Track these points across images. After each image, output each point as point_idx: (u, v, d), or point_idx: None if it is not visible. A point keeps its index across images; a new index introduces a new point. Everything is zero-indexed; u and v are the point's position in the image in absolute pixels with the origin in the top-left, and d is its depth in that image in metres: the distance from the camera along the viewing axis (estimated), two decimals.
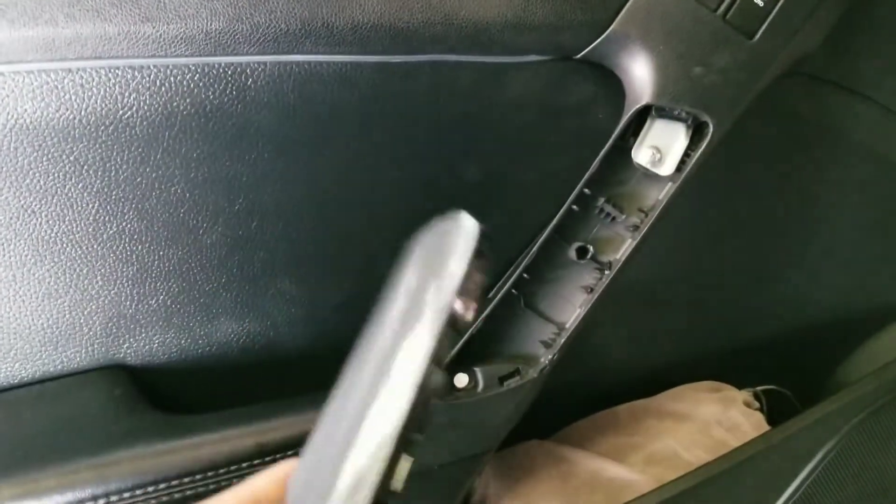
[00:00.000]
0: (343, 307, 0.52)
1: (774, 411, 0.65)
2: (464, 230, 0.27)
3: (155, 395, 0.49)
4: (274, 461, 0.46)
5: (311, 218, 0.48)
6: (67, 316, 0.47)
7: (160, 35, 0.40)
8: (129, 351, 0.49)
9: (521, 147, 0.49)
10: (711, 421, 0.61)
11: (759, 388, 0.65)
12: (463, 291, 0.25)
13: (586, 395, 0.66)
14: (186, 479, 0.45)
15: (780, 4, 0.44)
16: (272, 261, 0.49)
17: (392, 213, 0.49)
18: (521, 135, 0.49)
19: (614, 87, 0.47)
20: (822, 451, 0.56)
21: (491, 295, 0.51)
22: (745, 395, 0.63)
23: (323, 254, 0.49)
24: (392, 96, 0.45)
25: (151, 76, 0.41)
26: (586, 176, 0.47)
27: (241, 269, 0.48)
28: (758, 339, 0.68)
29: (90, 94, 0.40)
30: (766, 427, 0.61)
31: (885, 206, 0.61)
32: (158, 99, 0.41)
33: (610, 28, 0.44)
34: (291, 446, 0.46)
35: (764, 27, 0.44)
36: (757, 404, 0.63)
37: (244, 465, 0.45)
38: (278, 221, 0.47)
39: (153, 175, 0.44)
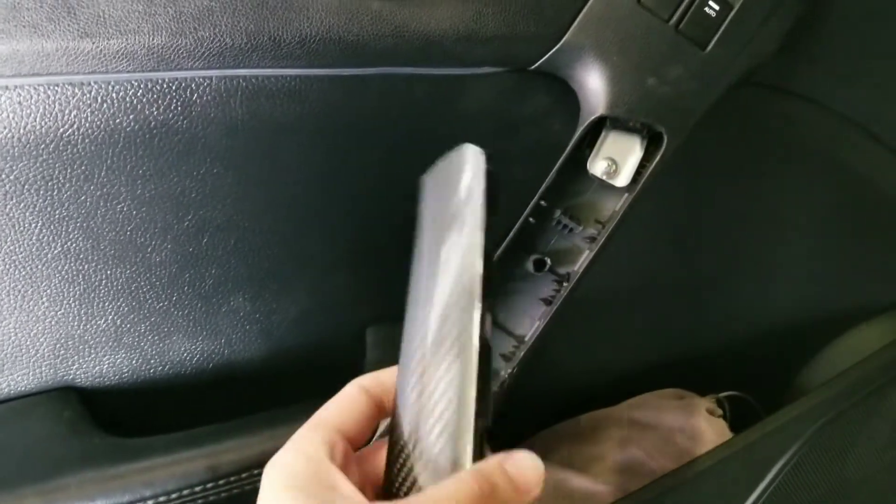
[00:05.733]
0: (299, 322, 0.51)
1: (738, 417, 0.65)
2: (467, 154, 0.33)
3: (106, 417, 0.48)
4: (227, 484, 0.45)
5: (263, 233, 0.47)
6: (13, 337, 0.46)
7: (100, 51, 0.39)
8: (78, 372, 0.48)
9: None
10: (675, 429, 0.61)
11: (722, 394, 0.65)
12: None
13: (548, 405, 0.66)
14: None
15: (732, 15, 0.44)
16: (224, 277, 0.48)
17: (346, 227, 0.48)
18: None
19: (570, 98, 0.47)
20: (784, 458, 0.56)
21: None
22: (708, 402, 0.63)
23: (277, 269, 0.49)
24: (343, 110, 0.44)
25: (92, 92, 0.40)
26: (542, 188, 0.47)
27: (193, 287, 0.47)
28: (719, 346, 0.68)
29: (29, 111, 0.39)
30: (728, 434, 0.61)
31: (843, 213, 0.61)
32: (100, 115, 0.40)
33: (563, 39, 0.44)
34: (245, 468, 0.45)
35: (717, 37, 0.44)
36: (720, 411, 0.63)
37: (196, 488, 0.44)
38: (230, 237, 0.46)
39: (98, 193, 0.43)
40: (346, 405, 0.35)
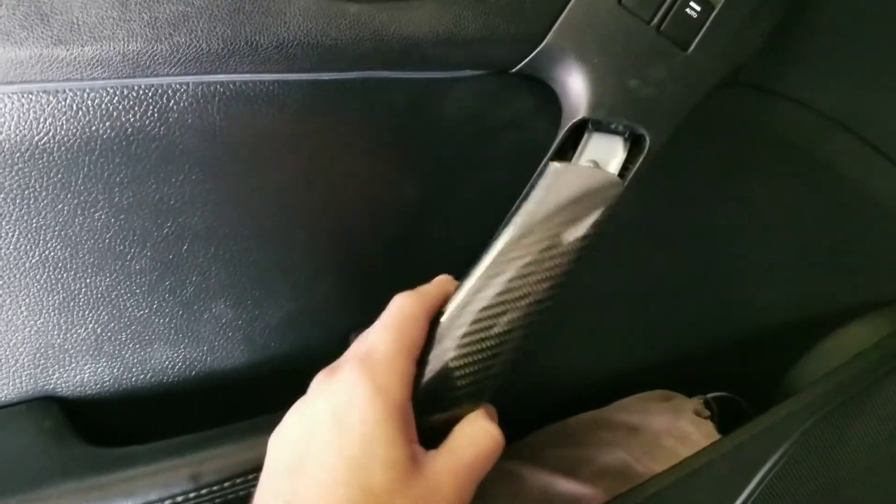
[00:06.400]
0: (282, 329, 0.50)
1: (726, 418, 0.64)
2: None
3: (87, 426, 0.48)
4: (210, 493, 0.44)
5: (244, 239, 0.46)
6: None
7: (75, 58, 0.38)
8: (59, 381, 0.48)
9: (460, 163, 0.49)
10: (662, 431, 0.60)
11: (710, 395, 0.65)
12: None
13: (535, 408, 0.65)
14: None
15: (713, 16, 0.44)
16: (206, 284, 0.47)
17: (327, 233, 0.48)
18: (459, 150, 0.48)
19: (552, 100, 0.46)
20: (772, 459, 0.56)
21: None
22: (696, 403, 0.63)
23: (259, 275, 0.48)
24: (323, 115, 0.44)
25: (67, 100, 0.39)
26: (524, 191, 0.46)
27: (174, 294, 0.47)
28: (707, 346, 0.68)
29: (3, 120, 0.39)
30: (716, 435, 0.61)
31: (829, 212, 0.61)
32: (76, 123, 0.40)
33: (544, 42, 0.44)
34: (228, 477, 0.45)
35: (698, 38, 0.44)
36: (707, 412, 0.63)
37: (179, 498, 0.44)
38: (210, 244, 0.46)
39: (75, 201, 0.42)
40: (422, 334, 0.40)
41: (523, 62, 0.44)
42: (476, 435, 0.38)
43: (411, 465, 0.34)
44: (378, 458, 0.34)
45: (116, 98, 0.40)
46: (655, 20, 0.43)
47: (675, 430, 0.60)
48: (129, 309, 0.47)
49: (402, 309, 0.40)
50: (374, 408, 0.35)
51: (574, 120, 0.45)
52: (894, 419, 0.58)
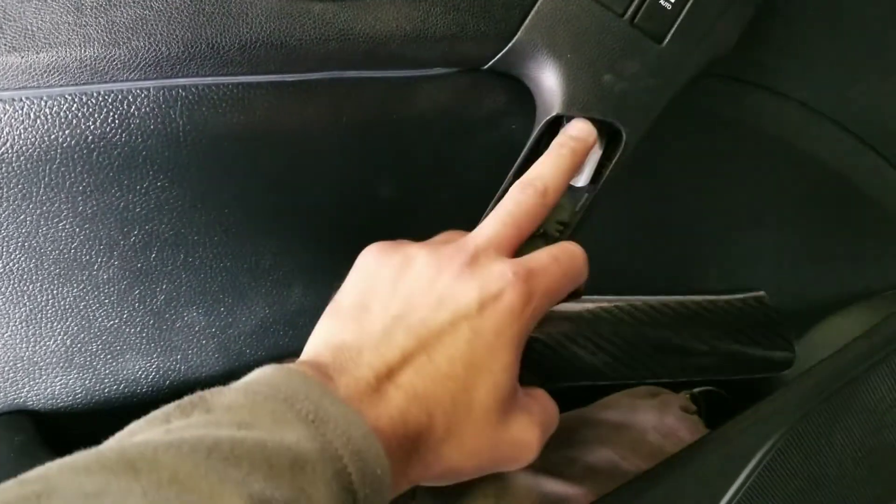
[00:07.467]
0: (256, 335, 0.50)
1: (714, 412, 0.64)
2: None
3: (60, 440, 0.47)
4: None
5: (213, 245, 0.46)
6: None
7: (30, 65, 0.37)
8: (30, 395, 0.47)
9: (433, 162, 0.48)
10: (648, 427, 0.60)
11: (697, 389, 0.64)
12: None
13: None
14: None
15: (688, 7, 0.43)
16: (176, 292, 0.46)
17: (300, 236, 0.47)
18: (433, 149, 0.47)
19: (526, 97, 0.45)
20: (759, 453, 0.55)
21: None
22: (682, 398, 0.63)
23: (231, 282, 0.47)
24: (290, 117, 0.43)
25: (24, 108, 0.38)
26: (500, 190, 0.46)
27: (144, 303, 0.46)
28: None
29: None
30: (703, 430, 0.60)
31: (810, 203, 0.60)
32: (34, 132, 0.39)
33: (515, 38, 0.43)
34: None
35: (673, 30, 0.43)
36: (694, 407, 0.62)
37: None
38: (179, 251, 0.45)
39: (38, 211, 0.41)
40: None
41: (495, 59, 0.43)
42: (551, 412, 0.40)
43: (511, 398, 0.35)
44: (489, 379, 0.34)
45: (75, 105, 0.39)
46: (629, 13, 0.43)
47: (661, 426, 0.60)
48: (99, 319, 0.46)
49: (575, 252, 0.40)
50: (512, 330, 0.34)
51: (549, 116, 0.44)
52: (881, 412, 0.58)
